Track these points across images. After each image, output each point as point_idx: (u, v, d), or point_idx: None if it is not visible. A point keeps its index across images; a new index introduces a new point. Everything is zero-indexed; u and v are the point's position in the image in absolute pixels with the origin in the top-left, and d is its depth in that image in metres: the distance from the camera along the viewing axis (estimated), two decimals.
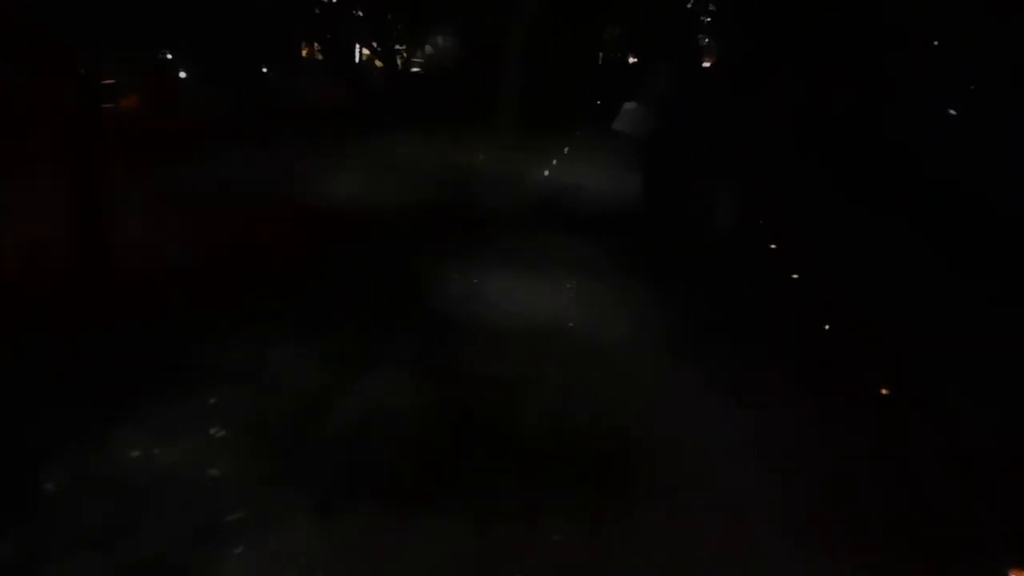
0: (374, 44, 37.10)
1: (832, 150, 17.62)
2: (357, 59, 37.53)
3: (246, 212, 8.95)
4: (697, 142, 16.41)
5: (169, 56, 26.65)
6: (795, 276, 8.70)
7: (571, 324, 6.76)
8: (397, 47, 38.26)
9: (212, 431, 4.54)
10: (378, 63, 36.78)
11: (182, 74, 27.03)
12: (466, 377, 5.51)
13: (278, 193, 9.85)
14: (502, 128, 16.96)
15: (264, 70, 34.26)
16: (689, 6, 44.22)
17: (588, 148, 17.69)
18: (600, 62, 45.01)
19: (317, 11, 34.76)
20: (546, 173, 13.77)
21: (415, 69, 41.47)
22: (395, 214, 9.46)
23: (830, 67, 25.64)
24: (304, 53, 34.62)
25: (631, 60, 45.63)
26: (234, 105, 19.59)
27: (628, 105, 20.88)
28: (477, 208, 10.34)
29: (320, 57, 36.57)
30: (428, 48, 44.41)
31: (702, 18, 39.18)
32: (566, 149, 16.97)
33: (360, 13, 38.21)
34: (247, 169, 10.83)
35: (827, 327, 7.04)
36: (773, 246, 9.87)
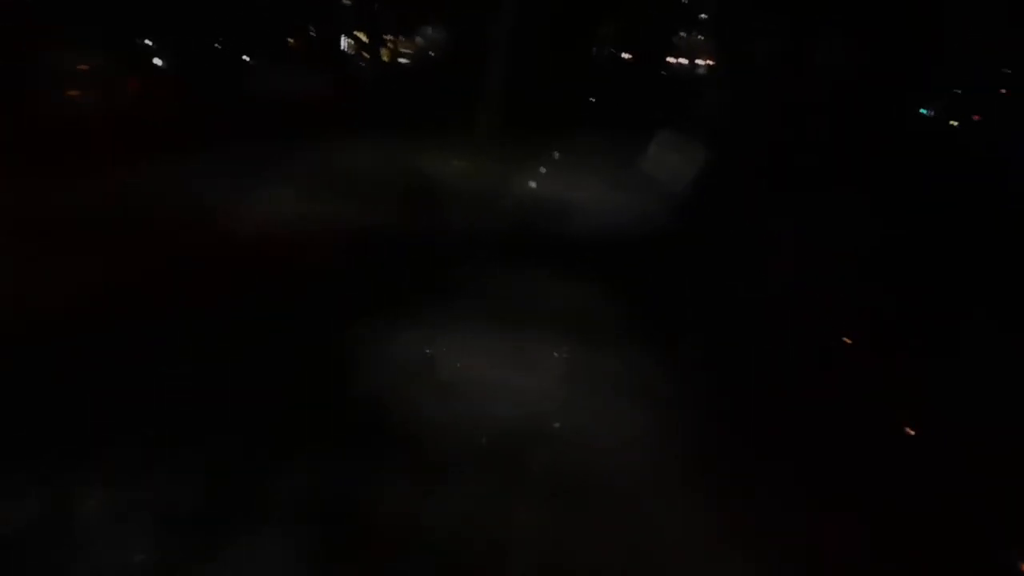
0: (360, 35, 35.01)
1: None
2: (344, 50, 35.46)
3: (144, 241, 6.85)
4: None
5: (149, 43, 24.83)
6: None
7: (556, 426, 4.65)
8: (385, 38, 36.14)
9: None
10: (365, 55, 34.73)
11: (159, 62, 25.18)
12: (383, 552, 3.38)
13: (202, 216, 7.76)
14: (486, 128, 14.81)
15: (247, 59, 32.31)
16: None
17: (583, 152, 15.54)
18: (594, 57, 42.96)
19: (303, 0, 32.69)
20: (532, 185, 11.64)
21: (403, 60, 39.39)
22: (339, 247, 7.38)
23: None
24: (292, 44, 32.63)
25: (626, 56, 43.48)
26: (207, 97, 17.56)
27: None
28: (444, 236, 8.24)
29: (306, 48, 34.62)
30: (418, 39, 42.27)
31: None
32: (557, 154, 14.80)
33: (347, 2, 36.15)
34: (186, 180, 8.84)
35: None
36: (847, 340, 6.83)
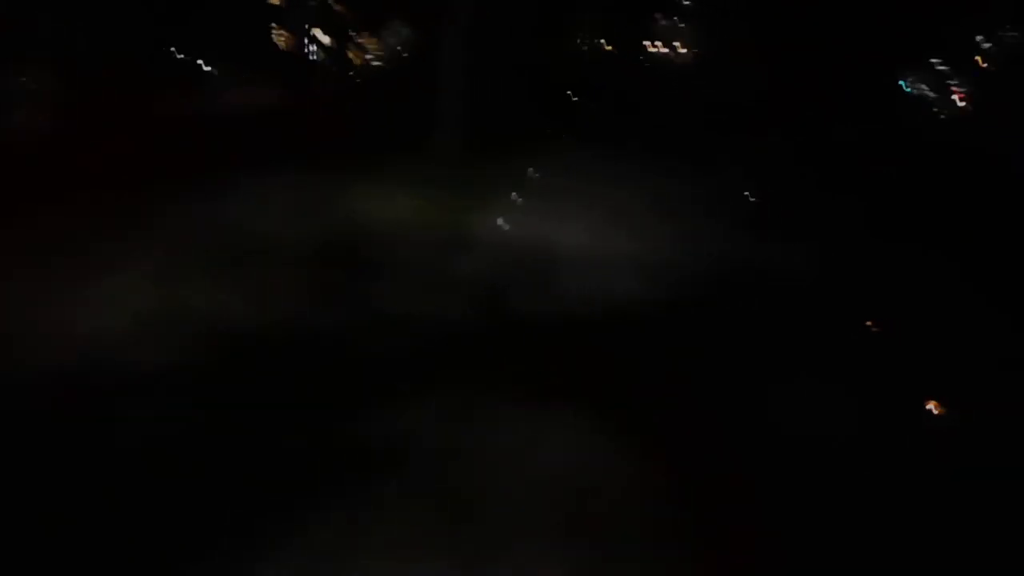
0: (320, 37, 32.16)
1: None
2: (311, 54, 32.49)
3: None
4: None
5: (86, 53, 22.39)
6: None
7: None
8: (357, 40, 33.19)
9: None
10: (329, 59, 31.77)
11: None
12: None
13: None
14: (445, 149, 12.13)
15: (208, 69, 29.70)
16: None
17: (565, 166, 12.85)
18: (577, 50, 40.20)
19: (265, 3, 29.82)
20: (503, 224, 8.97)
21: (376, 63, 36.47)
22: (176, 388, 4.69)
23: None
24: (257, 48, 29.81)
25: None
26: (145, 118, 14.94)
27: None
28: (365, 345, 5.54)
29: (270, 53, 31.71)
30: (390, 40, 39.32)
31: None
32: (533, 171, 12.10)
33: (313, 3, 33.31)
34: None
35: None
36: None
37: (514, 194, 10.48)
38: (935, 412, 4.75)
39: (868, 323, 6.21)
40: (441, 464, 4.00)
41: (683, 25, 41.98)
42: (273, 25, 30.53)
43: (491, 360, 5.27)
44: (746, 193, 11.64)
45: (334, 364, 5.07)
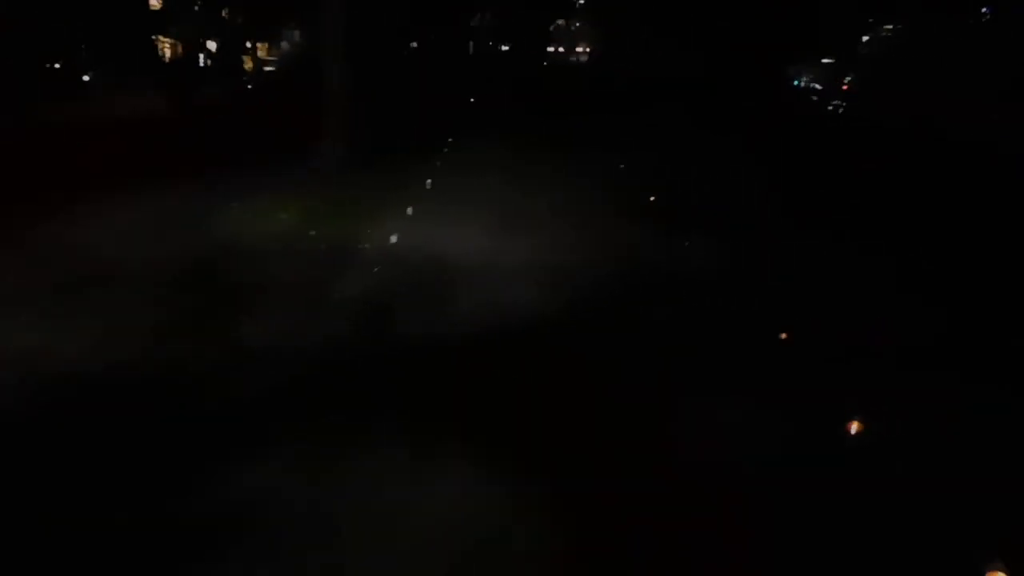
0: (206, 42, 30.64)
1: None
2: (201, 61, 30.88)
3: None
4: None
5: None
6: None
7: None
8: (248, 44, 31.66)
9: None
10: (213, 64, 30.26)
11: None
12: None
13: None
14: (332, 154, 11.37)
15: (85, 78, 28.08)
16: None
17: (465, 172, 12.32)
18: (470, 52, 39.65)
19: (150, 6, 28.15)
20: (393, 240, 8.30)
21: (268, 68, 35.02)
22: None
23: None
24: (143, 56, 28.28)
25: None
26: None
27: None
28: (218, 381, 4.79)
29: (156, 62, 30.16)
30: (284, 45, 37.76)
31: None
32: (429, 182, 11.49)
33: (196, 7, 31.68)
34: None
35: None
36: None
37: (408, 208, 9.83)
38: (852, 432, 4.42)
39: (782, 335, 5.88)
40: (303, 536, 3.37)
41: (578, 24, 41.86)
42: (156, 35, 28.98)
43: (369, 399, 4.66)
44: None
45: (176, 414, 4.33)
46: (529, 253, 7.65)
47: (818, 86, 32.28)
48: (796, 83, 33.86)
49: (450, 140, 15.84)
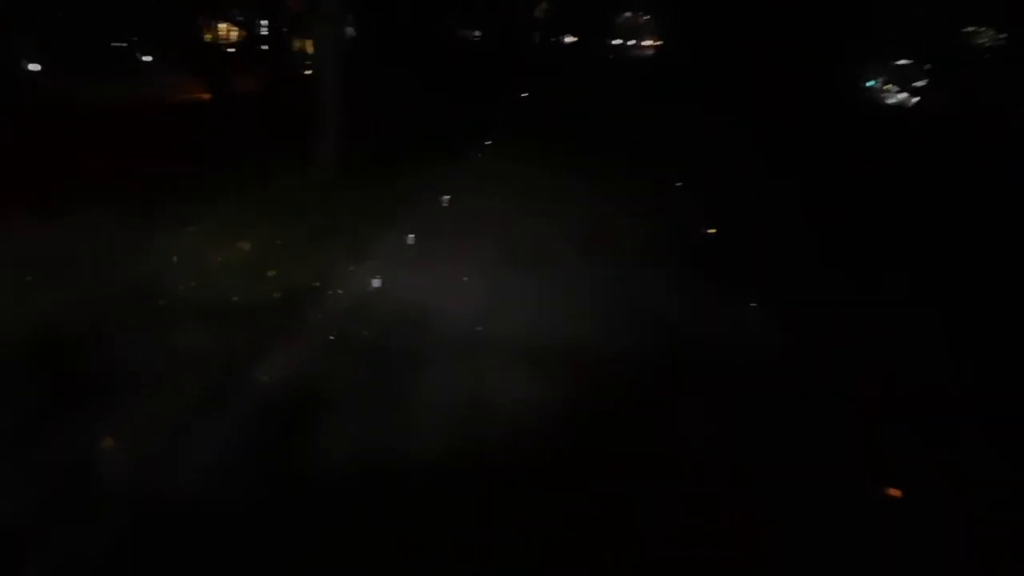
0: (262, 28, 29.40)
1: None
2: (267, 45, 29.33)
3: None
4: None
5: None
6: None
7: None
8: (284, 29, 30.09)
9: None
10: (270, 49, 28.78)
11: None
12: None
13: None
14: (325, 167, 9.50)
15: (146, 59, 28.06)
16: None
17: (493, 192, 10.31)
18: (534, 43, 37.76)
19: None
20: (377, 284, 6.39)
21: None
22: None
23: None
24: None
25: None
26: None
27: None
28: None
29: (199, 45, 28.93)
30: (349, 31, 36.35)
31: None
32: (446, 198, 9.53)
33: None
34: None
35: None
36: None
37: (409, 235, 7.92)
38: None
39: (892, 491, 3.79)
40: None
41: (647, 17, 39.95)
42: (200, 16, 27.75)
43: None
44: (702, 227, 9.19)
45: None
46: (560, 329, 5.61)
47: (892, 87, 31.26)
48: (871, 84, 32.45)
49: (487, 143, 13.91)
